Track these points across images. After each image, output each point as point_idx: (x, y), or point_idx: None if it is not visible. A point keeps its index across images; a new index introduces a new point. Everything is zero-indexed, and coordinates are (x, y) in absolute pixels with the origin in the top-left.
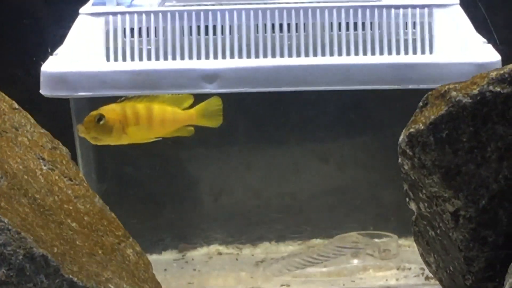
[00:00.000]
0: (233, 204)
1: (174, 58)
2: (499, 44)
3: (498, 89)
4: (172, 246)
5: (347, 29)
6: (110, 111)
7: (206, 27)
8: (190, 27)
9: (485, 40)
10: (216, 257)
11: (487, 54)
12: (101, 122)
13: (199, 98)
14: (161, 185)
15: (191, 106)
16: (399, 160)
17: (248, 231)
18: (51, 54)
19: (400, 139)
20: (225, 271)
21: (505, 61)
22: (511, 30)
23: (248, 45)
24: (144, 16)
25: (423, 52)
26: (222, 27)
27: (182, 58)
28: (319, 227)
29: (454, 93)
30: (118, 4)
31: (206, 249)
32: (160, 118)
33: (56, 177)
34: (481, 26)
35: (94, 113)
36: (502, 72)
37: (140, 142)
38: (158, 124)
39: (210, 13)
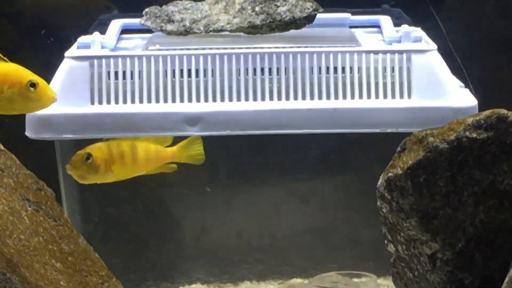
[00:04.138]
0: (215, 244)
1: (157, 101)
2: (474, 93)
3: (474, 135)
4: (155, 285)
5: (328, 72)
6: (97, 150)
7: (189, 71)
8: (173, 71)
9: (462, 84)
10: None
11: (464, 98)
12: (89, 161)
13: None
14: (144, 225)
15: (171, 145)
16: (378, 203)
17: (230, 270)
18: None
19: (379, 183)
20: None
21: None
22: (486, 80)
23: (230, 88)
24: (128, 59)
25: (401, 96)
26: (205, 71)
27: (165, 101)
28: (299, 266)
29: (431, 139)
30: (102, 47)
31: None
32: (144, 156)
33: (41, 218)
34: (456, 76)
35: (81, 152)
36: (478, 118)
37: (125, 178)
38: (143, 161)
39: (192, 57)
